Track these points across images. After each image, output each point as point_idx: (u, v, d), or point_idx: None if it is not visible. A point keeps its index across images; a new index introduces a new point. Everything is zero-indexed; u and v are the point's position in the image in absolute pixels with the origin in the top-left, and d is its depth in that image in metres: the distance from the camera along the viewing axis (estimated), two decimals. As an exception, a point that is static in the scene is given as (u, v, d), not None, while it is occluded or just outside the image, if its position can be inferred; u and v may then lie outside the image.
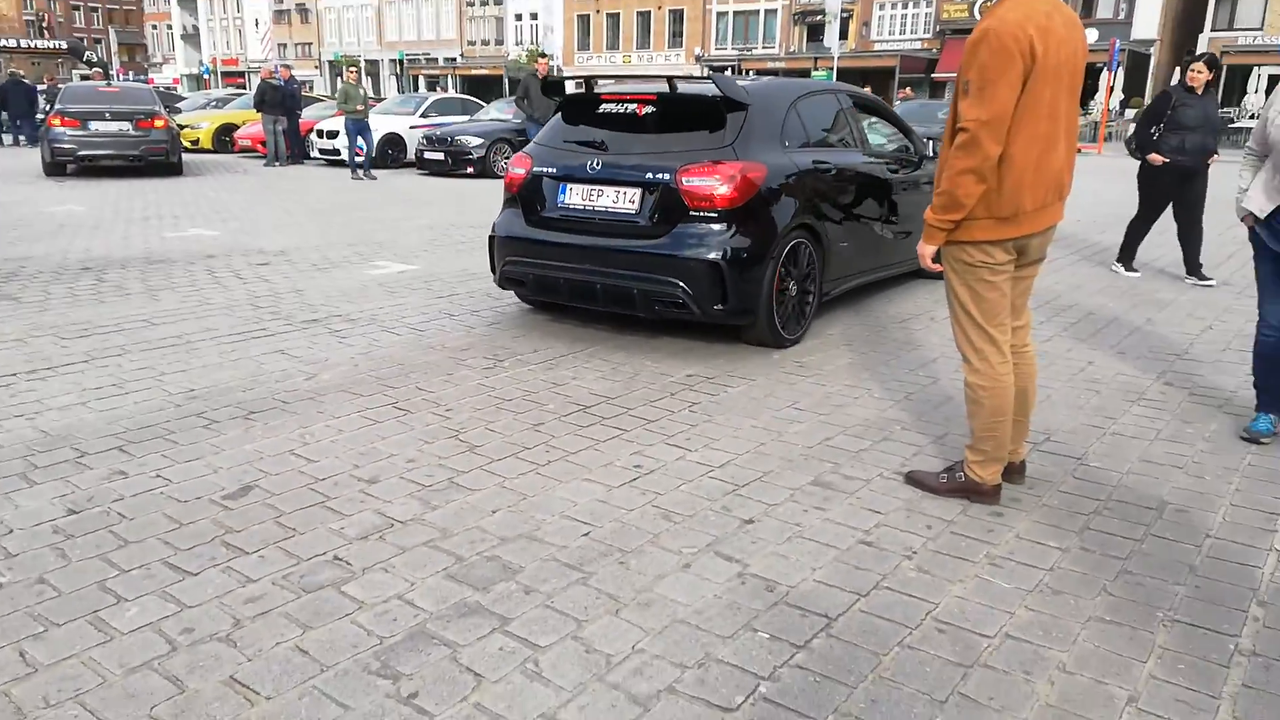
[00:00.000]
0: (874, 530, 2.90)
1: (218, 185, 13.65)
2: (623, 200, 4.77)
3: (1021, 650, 2.25)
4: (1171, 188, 6.95)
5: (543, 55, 12.73)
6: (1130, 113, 30.50)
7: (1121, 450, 3.58)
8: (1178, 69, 6.87)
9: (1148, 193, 7.14)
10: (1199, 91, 6.74)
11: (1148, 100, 34.32)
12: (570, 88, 5.42)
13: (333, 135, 17.49)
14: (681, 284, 4.59)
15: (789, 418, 3.94)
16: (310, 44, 69.44)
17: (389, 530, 2.83)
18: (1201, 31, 38.07)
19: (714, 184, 4.55)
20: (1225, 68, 34.31)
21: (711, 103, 4.82)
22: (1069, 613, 2.42)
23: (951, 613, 2.42)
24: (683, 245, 4.60)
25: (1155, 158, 6.86)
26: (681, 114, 4.90)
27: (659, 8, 51.72)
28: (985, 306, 2.88)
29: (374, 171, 15.23)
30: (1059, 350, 5.03)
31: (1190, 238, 7.00)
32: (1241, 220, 3.66)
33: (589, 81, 5.31)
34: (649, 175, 4.68)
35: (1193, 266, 7.03)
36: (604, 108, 5.08)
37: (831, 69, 33.27)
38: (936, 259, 2.96)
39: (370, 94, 15.25)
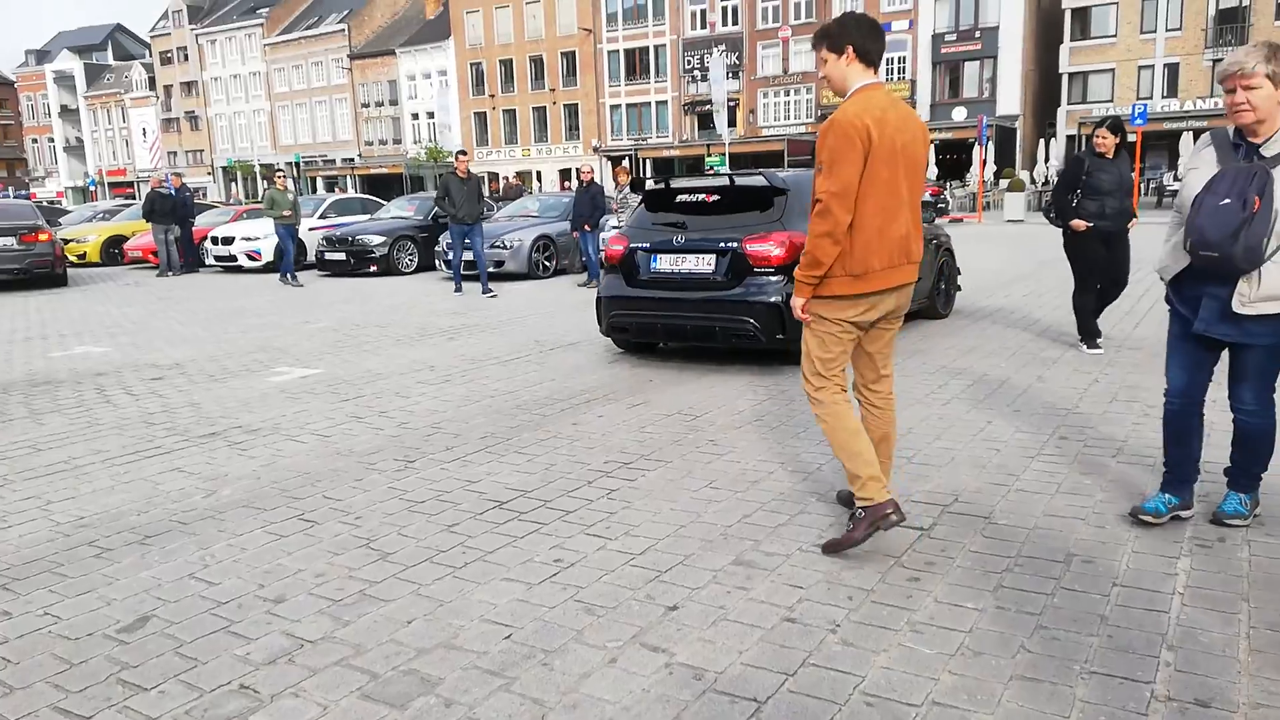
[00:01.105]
0: (797, 606, 2.90)
1: (107, 299, 13.17)
2: (702, 264, 6.48)
3: (948, 716, 2.26)
4: (1099, 253, 6.80)
5: (462, 153, 12.69)
6: (1004, 183, 32.53)
7: (1026, 506, 3.70)
8: (1088, 136, 6.89)
9: (1078, 261, 6.95)
10: (1109, 155, 6.71)
11: (1019, 171, 36.81)
12: (649, 185, 7.26)
13: (228, 241, 17.18)
14: (751, 320, 6.28)
15: (707, 498, 3.95)
16: (202, 150, 68.64)
17: (298, 651, 2.69)
18: (1059, 105, 41.27)
19: (770, 248, 6.26)
20: (1125, 133, 36.98)
21: (762, 190, 6.55)
22: (991, 674, 2.46)
23: (878, 684, 2.42)
24: (750, 293, 6.29)
25: (1078, 224, 6.71)
26: (740, 199, 6.61)
27: (554, 103, 53.25)
28: (827, 357, 3.34)
29: (293, 276, 14.71)
30: (959, 413, 5.21)
31: (1106, 300, 6.96)
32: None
33: (667, 182, 7.16)
34: (721, 244, 6.40)
35: (1086, 331, 6.96)
36: (680, 198, 6.85)
37: (724, 154, 34.64)
38: (814, 307, 3.36)
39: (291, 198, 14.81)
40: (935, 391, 5.74)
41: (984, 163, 32.10)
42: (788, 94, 46.61)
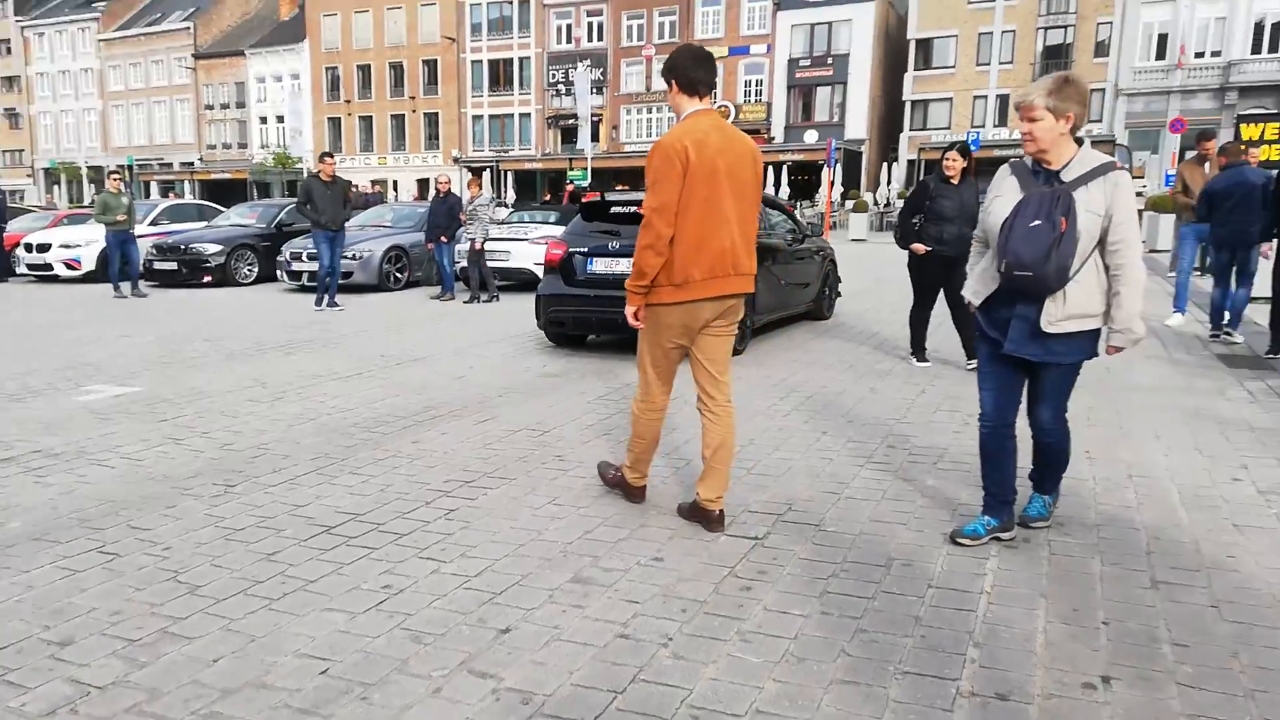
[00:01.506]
0: (631, 621, 2.88)
1: (-105, 310, 11.83)
2: (630, 267, 7.34)
3: (770, 726, 2.29)
4: (938, 276, 6.91)
5: (328, 155, 12.05)
6: (849, 204, 34.13)
7: (854, 513, 3.84)
8: (938, 160, 7.05)
9: (918, 282, 7.12)
10: (955, 181, 6.74)
11: (863, 193, 38.72)
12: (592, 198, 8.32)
13: (44, 249, 15.85)
14: None
15: (549, 515, 3.89)
16: (22, 151, 63.19)
17: (82, 700, 2.45)
18: (902, 131, 43.71)
19: None
20: (974, 159, 39.23)
21: None
22: (813, 679, 2.51)
23: (705, 696, 2.43)
24: None
25: (918, 248, 6.83)
26: None
27: (413, 111, 52.05)
28: (655, 360, 3.72)
29: (135, 286, 13.44)
30: (797, 424, 5.37)
31: (963, 323, 6.95)
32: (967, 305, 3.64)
33: (603, 195, 8.27)
34: None
35: (971, 352, 6.91)
36: (614, 209, 7.78)
37: (586, 169, 34.81)
38: (651, 314, 3.67)
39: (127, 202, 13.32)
40: (776, 404, 5.90)
41: (832, 184, 33.61)
42: (651, 111, 47.33)
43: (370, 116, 53.10)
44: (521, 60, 49.48)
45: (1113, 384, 6.20)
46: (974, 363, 6.55)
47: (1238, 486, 4.07)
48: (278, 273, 14.41)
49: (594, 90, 42.73)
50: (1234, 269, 7.88)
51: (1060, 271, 3.13)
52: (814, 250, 9.37)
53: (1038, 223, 3.17)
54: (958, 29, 41.68)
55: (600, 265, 7.57)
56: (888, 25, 44.78)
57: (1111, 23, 38.49)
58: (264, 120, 55.07)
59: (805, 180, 43.30)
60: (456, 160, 50.22)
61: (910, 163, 42.09)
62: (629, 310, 3.62)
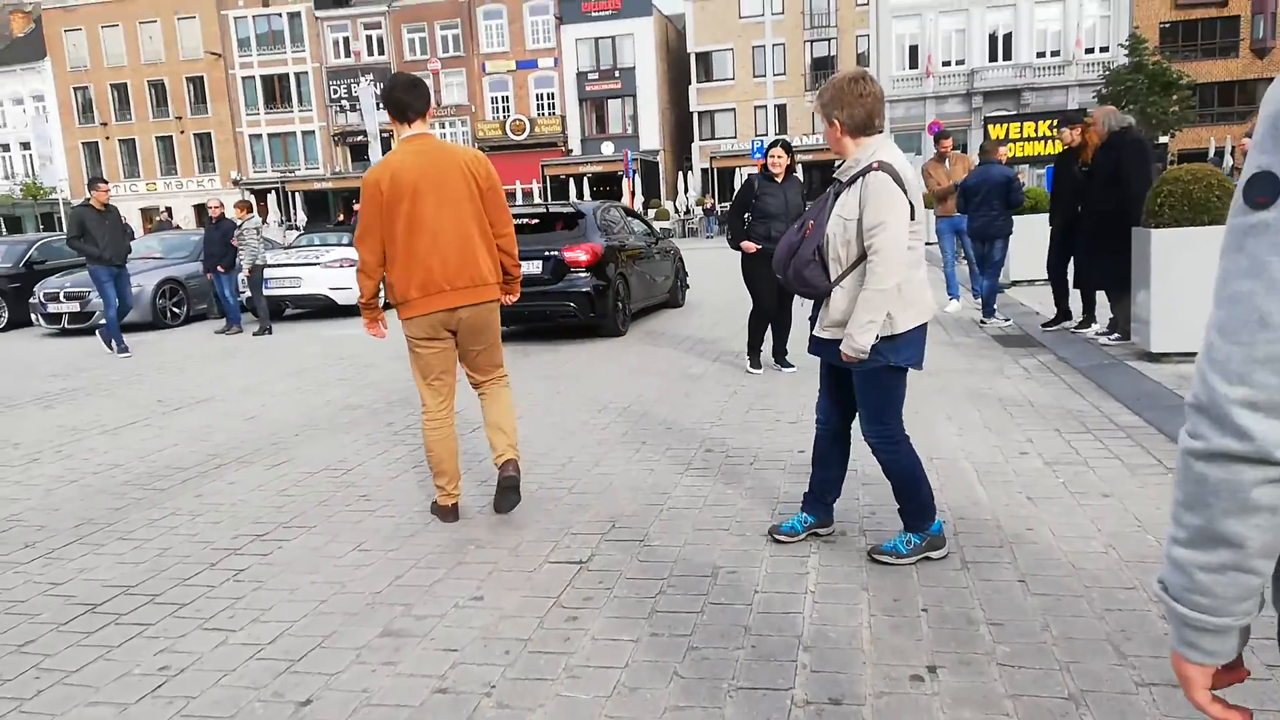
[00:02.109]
0: (450, 673, 2.65)
1: None
2: (533, 267, 8.62)
3: (607, 770, 2.14)
4: (770, 274, 6.59)
5: (101, 181, 10.56)
6: (651, 213, 34.88)
7: (677, 524, 3.77)
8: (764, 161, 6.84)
9: (752, 283, 6.91)
10: (779, 179, 6.66)
11: (664, 201, 39.70)
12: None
13: None
14: (571, 304, 8.86)
15: (354, 563, 3.57)
16: None
17: None
18: (693, 141, 45.24)
19: (579, 254, 8.88)
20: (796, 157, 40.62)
21: (569, 214, 9.61)
22: (646, 710, 2.38)
23: (536, 748, 2.25)
24: (569, 285, 8.87)
25: (749, 246, 6.71)
26: (554, 221, 9.64)
27: (182, 132, 48.32)
28: (420, 366, 3.91)
29: None
30: (615, 437, 5.28)
31: (780, 325, 6.93)
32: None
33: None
34: (546, 252, 8.91)
35: (778, 354, 6.99)
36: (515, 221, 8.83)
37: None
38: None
39: None
40: (593, 418, 5.80)
41: (633, 194, 34.21)
42: (443, 126, 46.35)
43: (133, 139, 48.76)
44: (298, 75, 47.05)
45: (905, 371, 6.55)
46: (793, 368, 6.85)
47: (1026, 460, 4.36)
48: (32, 316, 12.82)
49: (381, 105, 41.24)
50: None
51: (799, 277, 3.09)
52: (667, 250, 11.44)
53: (795, 227, 3.22)
54: (732, 43, 43.69)
55: None
56: (668, 39, 46.28)
57: (868, 35, 41.62)
58: (5, 148, 49.32)
59: (606, 191, 43.91)
60: (236, 182, 47.06)
61: (704, 171, 43.66)
62: (362, 324, 4.10)
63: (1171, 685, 2.31)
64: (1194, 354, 6.23)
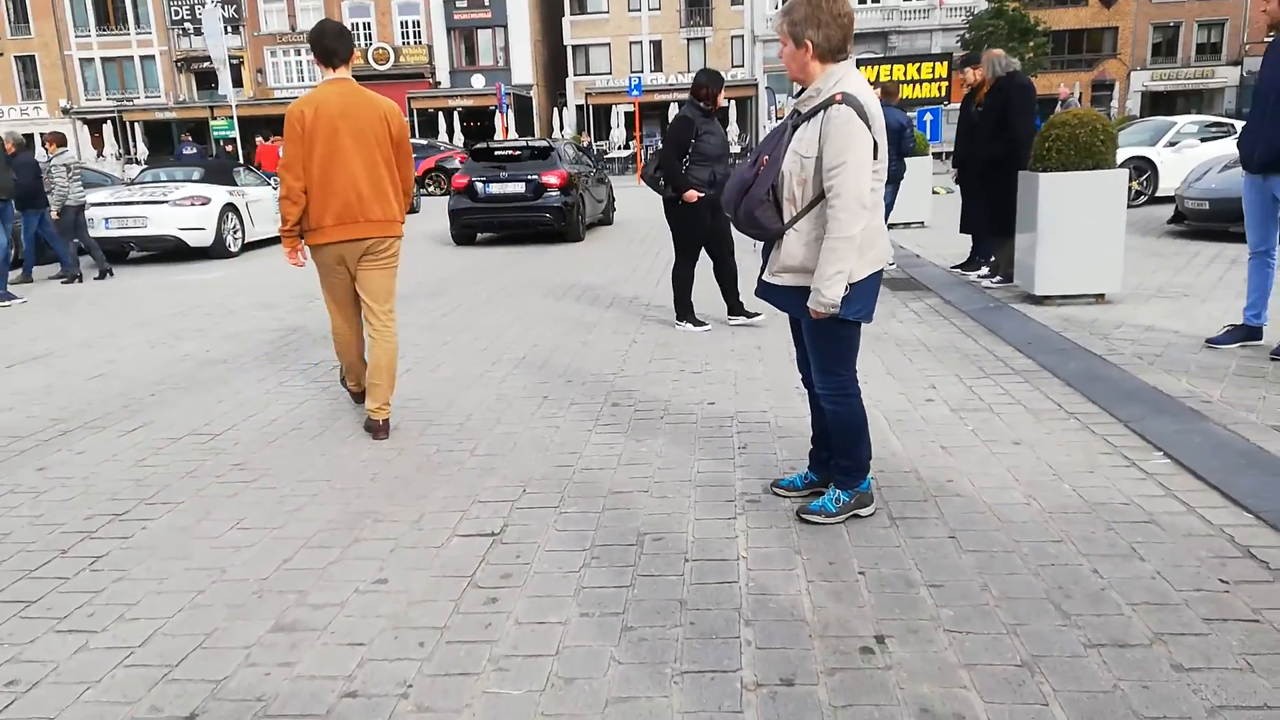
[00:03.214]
0: (358, 672, 2.36)
1: None
2: (517, 188, 11.99)
3: (550, 780, 1.93)
4: (707, 222, 6.13)
5: (23, 136, 9.06)
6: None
7: (593, 486, 3.55)
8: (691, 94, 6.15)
9: (684, 234, 6.21)
10: (714, 117, 6.08)
11: (538, 135, 38.56)
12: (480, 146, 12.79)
13: None
14: (548, 214, 11.97)
15: (233, 544, 3.18)
16: None
17: None
18: (567, 76, 44.08)
19: (553, 178, 11.93)
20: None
21: (543, 148, 12.61)
22: (586, 705, 2.18)
23: (466, 756, 2.01)
24: (546, 201, 11.93)
25: (692, 195, 5.94)
26: (534, 152, 12.55)
27: (1, 55, 43.35)
28: (326, 289, 4.35)
29: None
30: (515, 390, 4.99)
31: (724, 274, 6.35)
32: None
33: (489, 145, 13.15)
34: (528, 176, 11.96)
35: (733, 306, 6.37)
36: (496, 153, 12.76)
37: (232, 118, 31.08)
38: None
39: None
40: (489, 370, 5.48)
41: (506, 130, 33.10)
42: (301, 54, 43.37)
43: (-60, 59, 43.48)
44: (136, -8, 42.95)
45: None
46: (737, 319, 6.32)
47: (932, 407, 4.35)
48: None
49: (229, 29, 38.13)
50: None
51: (749, 217, 2.87)
52: (602, 179, 14.75)
53: (748, 162, 2.98)
54: (608, -26, 42.59)
55: (494, 188, 12.07)
56: (541, -33, 44.67)
57: (741, -28, 41.40)
58: None
59: (478, 126, 42.38)
60: (66, 111, 42.91)
61: (579, 108, 42.67)
62: (285, 251, 4.25)
63: (1119, 645, 2.29)
64: (1076, 297, 6.40)
